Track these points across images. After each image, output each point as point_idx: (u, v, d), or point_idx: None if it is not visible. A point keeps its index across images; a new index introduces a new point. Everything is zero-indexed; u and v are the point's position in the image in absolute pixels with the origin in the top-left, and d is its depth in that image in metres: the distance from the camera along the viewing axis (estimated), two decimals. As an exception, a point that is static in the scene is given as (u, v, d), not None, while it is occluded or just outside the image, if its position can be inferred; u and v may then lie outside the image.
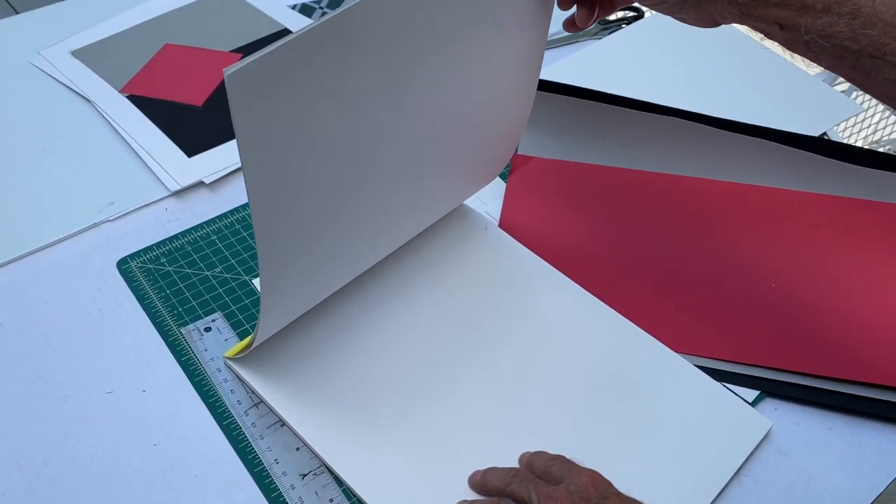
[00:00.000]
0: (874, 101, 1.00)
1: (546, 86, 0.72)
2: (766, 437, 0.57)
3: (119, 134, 0.76)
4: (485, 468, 0.53)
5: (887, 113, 0.98)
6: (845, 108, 0.86)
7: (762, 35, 0.52)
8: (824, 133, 0.82)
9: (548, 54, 0.91)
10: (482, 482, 0.53)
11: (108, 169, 0.73)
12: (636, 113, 0.72)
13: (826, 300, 0.64)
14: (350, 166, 0.49)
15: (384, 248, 0.62)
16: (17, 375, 0.58)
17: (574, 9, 0.56)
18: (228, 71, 0.37)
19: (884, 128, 1.00)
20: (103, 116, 0.77)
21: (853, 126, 0.99)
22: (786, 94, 0.85)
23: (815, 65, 0.52)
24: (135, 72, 0.82)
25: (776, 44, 0.52)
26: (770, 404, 0.59)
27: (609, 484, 0.49)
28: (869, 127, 1.01)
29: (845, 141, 0.89)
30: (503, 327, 0.62)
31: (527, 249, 0.67)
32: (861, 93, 1.02)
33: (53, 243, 0.67)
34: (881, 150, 1.08)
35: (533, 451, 0.54)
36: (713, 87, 0.85)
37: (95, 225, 0.68)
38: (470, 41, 0.51)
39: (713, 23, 0.53)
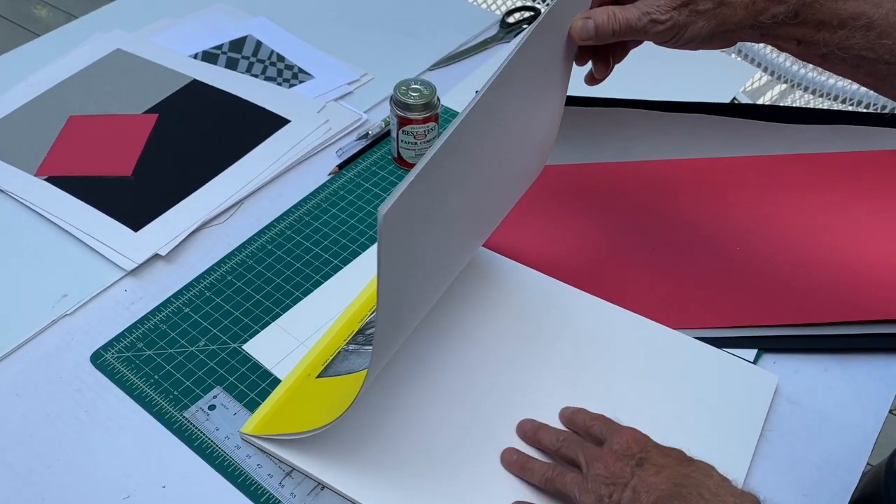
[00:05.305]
0: (764, 64, 1.08)
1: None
2: (775, 390, 0.61)
3: (50, 221, 0.70)
4: (537, 424, 0.56)
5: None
6: (744, 71, 0.92)
7: (774, 49, 0.55)
8: (734, 97, 0.88)
9: (456, 67, 0.92)
10: (536, 438, 0.56)
11: (49, 261, 0.67)
12: (577, 109, 0.74)
13: (789, 251, 0.68)
14: (448, 236, 0.54)
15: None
16: (18, 503, 0.53)
17: (590, 63, 0.59)
18: (383, 210, 0.41)
19: (766, 83, 1.09)
20: (25, 205, 0.71)
21: (752, 87, 1.06)
22: (691, 68, 0.90)
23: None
24: (45, 151, 0.76)
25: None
26: (769, 359, 0.63)
27: (648, 438, 0.52)
28: (765, 84, 1.09)
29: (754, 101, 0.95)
30: (513, 342, 0.62)
31: (509, 259, 0.68)
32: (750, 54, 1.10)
33: (12, 352, 0.61)
34: (767, 102, 1.16)
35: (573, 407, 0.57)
36: (623, 70, 0.89)
37: (53, 322, 0.63)
38: (526, 106, 0.56)
39: (732, 45, 0.56)
